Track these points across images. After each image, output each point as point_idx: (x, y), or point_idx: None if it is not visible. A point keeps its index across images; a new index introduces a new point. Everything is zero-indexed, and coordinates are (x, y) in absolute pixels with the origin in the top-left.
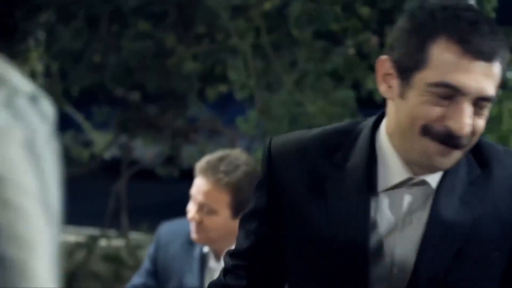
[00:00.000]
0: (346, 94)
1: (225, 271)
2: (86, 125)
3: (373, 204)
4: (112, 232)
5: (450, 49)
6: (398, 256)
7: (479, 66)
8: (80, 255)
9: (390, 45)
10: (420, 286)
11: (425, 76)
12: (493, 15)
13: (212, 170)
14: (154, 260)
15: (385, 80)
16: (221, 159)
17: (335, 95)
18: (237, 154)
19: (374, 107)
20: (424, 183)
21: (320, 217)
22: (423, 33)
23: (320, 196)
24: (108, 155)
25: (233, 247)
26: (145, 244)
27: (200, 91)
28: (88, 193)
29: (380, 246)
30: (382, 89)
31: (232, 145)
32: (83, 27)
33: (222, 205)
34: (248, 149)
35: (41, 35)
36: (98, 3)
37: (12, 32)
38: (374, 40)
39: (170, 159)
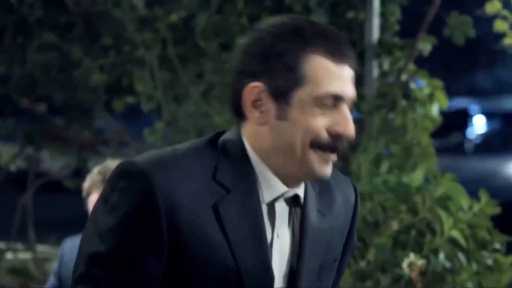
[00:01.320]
0: None
1: None
2: None
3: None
4: (19, 245)
5: (325, 61)
6: (276, 271)
7: (348, 72)
8: None
9: (251, 72)
10: None
11: (306, 92)
12: (396, 27)
13: None
14: (59, 276)
15: (255, 106)
16: (106, 166)
17: None
18: (111, 160)
19: None
20: (295, 196)
21: (221, 244)
22: (292, 52)
23: (214, 221)
24: (14, 167)
25: None
26: (52, 257)
27: (107, 102)
28: None
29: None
30: (254, 116)
31: None
32: None
33: None
34: None
35: None
36: (2, 14)
37: None
38: None
39: (78, 171)
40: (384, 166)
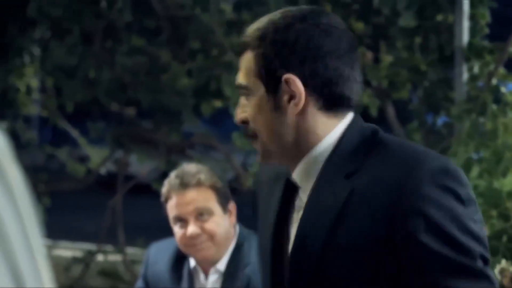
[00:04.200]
0: None
1: None
2: (81, 140)
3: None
4: (109, 247)
5: None
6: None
7: None
8: (76, 270)
9: None
10: (297, 280)
11: None
12: (486, 30)
13: (188, 178)
14: (145, 279)
15: None
16: (183, 170)
17: None
18: (187, 164)
19: (370, 121)
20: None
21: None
22: None
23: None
24: (104, 170)
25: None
26: (141, 259)
27: (195, 106)
28: (84, 208)
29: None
30: None
31: (227, 160)
32: (77, 42)
33: (214, 203)
34: (244, 164)
35: (36, 50)
36: (92, 19)
37: (7, 48)
38: (368, 55)
39: (166, 174)
40: (474, 171)
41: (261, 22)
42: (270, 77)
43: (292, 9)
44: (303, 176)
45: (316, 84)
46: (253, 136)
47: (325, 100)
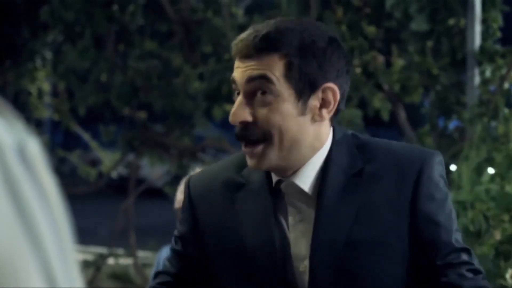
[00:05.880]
0: (353, 113)
1: None
2: (93, 144)
3: (273, 208)
4: (120, 250)
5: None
6: (294, 255)
7: (242, 63)
8: (88, 273)
9: None
10: (319, 280)
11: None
12: (498, 34)
13: None
14: None
15: None
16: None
17: (342, 114)
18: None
19: (381, 125)
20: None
21: (232, 229)
22: None
23: (231, 209)
24: (115, 174)
25: None
26: (152, 263)
27: (206, 110)
28: (95, 211)
29: (280, 248)
30: None
31: None
32: (89, 46)
33: None
34: None
35: (48, 54)
36: (104, 23)
37: (19, 51)
38: (380, 59)
39: (177, 178)
40: (486, 175)
41: (288, 28)
42: (307, 83)
43: (310, 19)
44: (305, 180)
45: (342, 96)
46: (260, 139)
47: (337, 111)
